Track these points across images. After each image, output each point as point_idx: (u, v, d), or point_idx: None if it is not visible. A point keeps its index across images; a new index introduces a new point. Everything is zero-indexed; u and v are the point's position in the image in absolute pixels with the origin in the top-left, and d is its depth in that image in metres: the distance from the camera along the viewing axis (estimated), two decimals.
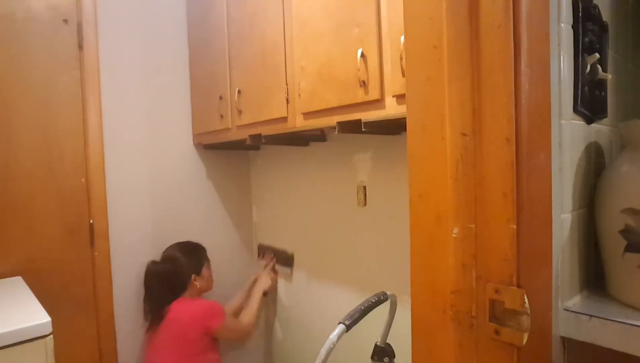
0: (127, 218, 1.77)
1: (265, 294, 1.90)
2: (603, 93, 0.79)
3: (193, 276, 1.69)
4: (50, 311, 1.08)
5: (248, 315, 1.78)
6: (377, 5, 1.04)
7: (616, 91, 0.87)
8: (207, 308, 1.63)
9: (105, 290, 1.69)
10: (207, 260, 1.80)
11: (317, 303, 1.80)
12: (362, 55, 1.07)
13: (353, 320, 0.94)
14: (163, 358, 1.58)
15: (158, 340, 1.60)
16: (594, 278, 0.79)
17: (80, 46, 1.66)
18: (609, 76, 0.77)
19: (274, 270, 1.99)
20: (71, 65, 1.64)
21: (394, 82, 1.01)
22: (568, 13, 0.69)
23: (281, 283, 2.00)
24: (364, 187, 1.52)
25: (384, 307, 1.06)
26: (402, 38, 0.93)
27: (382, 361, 1.08)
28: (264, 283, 1.89)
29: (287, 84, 1.34)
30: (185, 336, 1.56)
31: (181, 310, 1.61)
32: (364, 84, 1.08)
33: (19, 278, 1.47)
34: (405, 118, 0.63)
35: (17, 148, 1.52)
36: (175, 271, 1.68)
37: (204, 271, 1.75)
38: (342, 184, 1.61)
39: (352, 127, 1.15)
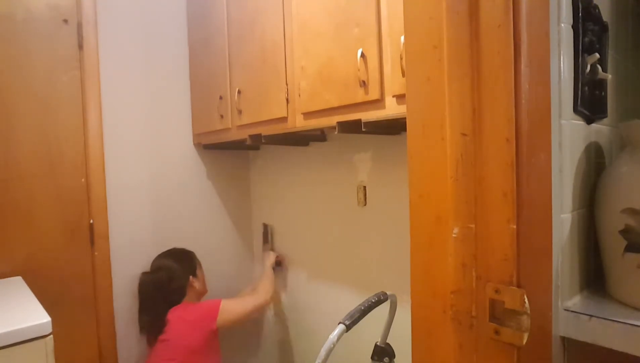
0: (127, 218, 1.77)
1: (279, 263, 1.90)
2: (603, 93, 0.79)
3: (190, 278, 1.69)
4: (50, 311, 1.08)
5: (260, 287, 1.76)
6: (377, 5, 1.04)
7: (616, 91, 0.87)
8: (204, 309, 1.61)
9: (105, 290, 1.69)
10: (198, 261, 1.79)
11: (317, 303, 1.80)
12: (362, 55, 1.07)
13: (353, 320, 0.94)
14: None
15: (161, 352, 1.56)
16: (594, 278, 0.79)
17: (80, 46, 1.65)
18: (609, 76, 0.77)
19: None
20: (71, 65, 1.64)
21: (394, 82, 1.01)
22: (568, 13, 0.69)
23: (281, 283, 2.00)
24: (364, 187, 1.52)
25: (384, 307, 1.06)
26: (402, 38, 0.93)
27: (382, 361, 1.08)
28: (269, 257, 1.89)
29: (287, 84, 1.34)
30: (187, 344, 1.54)
31: (180, 319, 1.58)
32: (364, 84, 1.08)
33: (19, 278, 1.47)
34: (405, 118, 0.63)
35: (17, 148, 1.52)
36: (172, 278, 1.66)
37: (198, 272, 1.75)
38: (342, 184, 1.61)
39: (352, 127, 1.15)
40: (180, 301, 1.65)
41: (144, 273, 1.71)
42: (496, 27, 0.54)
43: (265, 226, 2.05)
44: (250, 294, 1.76)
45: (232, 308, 1.62)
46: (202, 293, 1.75)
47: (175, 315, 1.59)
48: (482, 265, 0.56)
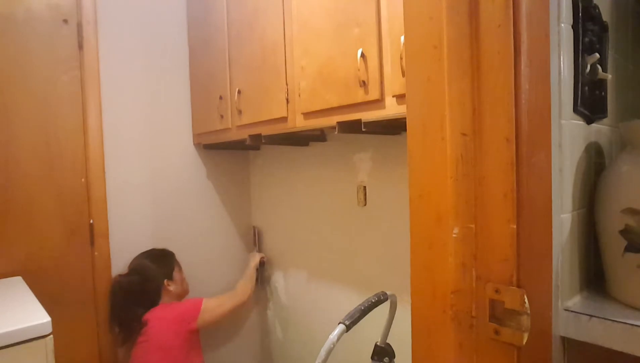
0: (127, 218, 1.77)
1: (262, 264, 2.00)
2: (603, 93, 0.79)
3: (165, 281, 1.67)
4: (50, 311, 1.08)
5: (239, 287, 1.85)
6: (377, 5, 1.04)
7: (616, 91, 0.87)
8: (185, 308, 1.62)
9: (105, 290, 1.69)
10: (177, 263, 1.78)
11: (317, 303, 1.80)
12: (362, 55, 1.07)
13: (353, 320, 0.94)
14: None
15: (141, 354, 1.54)
16: (594, 278, 0.79)
17: (80, 46, 1.66)
18: (609, 76, 0.77)
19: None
20: (71, 65, 1.64)
21: (394, 82, 1.01)
22: (568, 13, 0.69)
23: (281, 283, 2.00)
24: (364, 187, 1.52)
25: (384, 307, 1.06)
26: (402, 38, 0.93)
27: (382, 361, 1.08)
28: (254, 258, 1.98)
29: (287, 84, 1.34)
30: (167, 344, 1.53)
31: (158, 318, 1.57)
32: (364, 84, 1.08)
33: (19, 278, 1.47)
34: (405, 118, 0.63)
35: (17, 148, 1.52)
36: (146, 280, 1.64)
37: (176, 275, 1.73)
38: (342, 184, 1.61)
39: (352, 127, 1.15)
40: (157, 303, 1.64)
41: (120, 275, 1.67)
42: (496, 27, 0.54)
43: (254, 229, 2.11)
44: (230, 294, 1.80)
45: (213, 307, 1.66)
46: (181, 295, 1.74)
47: (154, 315, 1.58)
48: (482, 265, 0.56)
